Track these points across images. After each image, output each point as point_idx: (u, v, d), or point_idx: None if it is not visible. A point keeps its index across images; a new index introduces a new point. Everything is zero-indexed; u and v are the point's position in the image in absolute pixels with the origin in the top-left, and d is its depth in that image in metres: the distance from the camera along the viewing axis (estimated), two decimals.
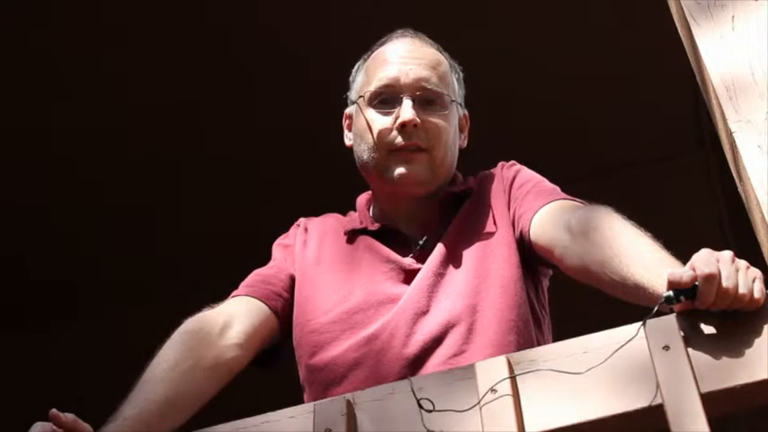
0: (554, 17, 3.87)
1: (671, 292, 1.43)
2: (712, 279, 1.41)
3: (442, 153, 1.99)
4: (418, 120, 1.96)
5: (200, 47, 3.88)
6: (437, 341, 1.82)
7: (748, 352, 1.38)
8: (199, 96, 4.02)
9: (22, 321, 4.64)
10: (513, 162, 2.08)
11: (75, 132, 4.07)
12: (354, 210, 2.12)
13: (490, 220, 1.97)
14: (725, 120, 1.62)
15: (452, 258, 1.92)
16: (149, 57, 3.88)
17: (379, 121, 1.99)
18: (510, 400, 1.41)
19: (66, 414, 1.60)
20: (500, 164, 2.09)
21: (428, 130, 1.97)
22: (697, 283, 1.42)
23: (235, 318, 1.92)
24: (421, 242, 1.96)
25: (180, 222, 4.41)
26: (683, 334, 1.41)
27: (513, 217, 1.95)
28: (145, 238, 4.48)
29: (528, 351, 1.54)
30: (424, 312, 1.85)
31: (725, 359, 1.38)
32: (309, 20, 3.81)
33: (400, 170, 1.97)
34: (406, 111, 1.96)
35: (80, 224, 4.40)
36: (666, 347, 1.39)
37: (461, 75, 2.12)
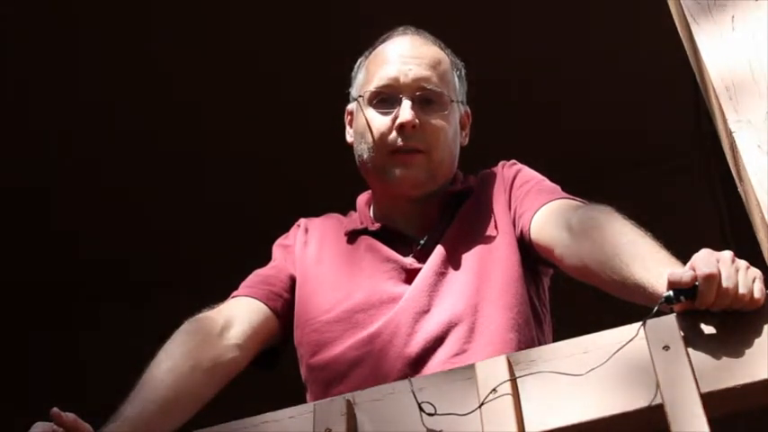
0: (554, 17, 3.87)
1: (671, 292, 1.43)
2: (712, 279, 1.41)
3: (440, 154, 1.99)
4: (417, 121, 1.96)
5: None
6: (438, 340, 1.82)
7: (748, 352, 1.38)
8: (200, 96, 4.02)
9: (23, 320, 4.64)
10: (513, 161, 2.08)
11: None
12: (354, 210, 2.12)
13: (491, 219, 1.97)
14: (725, 120, 1.62)
15: (453, 258, 1.92)
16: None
17: (379, 121, 1.99)
18: (510, 400, 1.41)
19: (66, 413, 1.60)
20: (501, 163, 2.09)
21: (427, 132, 1.97)
22: (697, 283, 1.42)
23: (234, 318, 1.92)
24: (422, 242, 1.96)
25: (179, 221, 4.41)
26: (683, 334, 1.41)
27: (514, 216, 1.95)
28: (143, 237, 4.48)
29: (528, 351, 1.54)
30: (426, 311, 1.85)
31: (725, 359, 1.38)
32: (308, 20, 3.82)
33: (398, 172, 1.97)
34: (405, 112, 1.96)
35: (79, 223, 4.41)
36: (666, 347, 1.39)
37: (463, 72, 2.12)
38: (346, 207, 2.15)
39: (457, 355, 1.80)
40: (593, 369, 1.41)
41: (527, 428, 1.40)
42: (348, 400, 1.50)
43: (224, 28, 3.86)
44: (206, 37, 3.86)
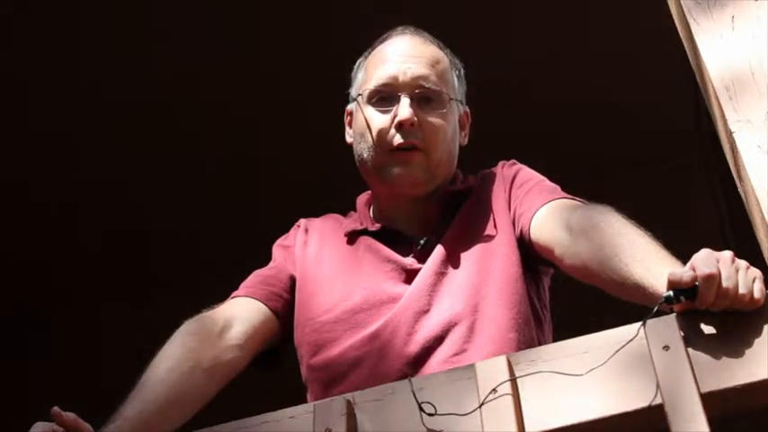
0: (554, 17, 3.87)
1: (671, 292, 1.43)
2: (712, 279, 1.41)
3: (439, 152, 1.99)
4: (415, 119, 1.96)
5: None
6: (438, 340, 1.82)
7: (748, 352, 1.38)
8: (199, 96, 4.02)
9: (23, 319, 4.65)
10: (513, 161, 2.09)
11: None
12: (354, 210, 2.12)
13: (490, 219, 1.97)
14: (725, 120, 1.62)
15: (453, 258, 1.92)
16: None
17: (378, 119, 2.00)
18: (510, 400, 1.41)
19: (67, 413, 1.60)
20: (500, 163, 2.09)
21: (426, 129, 1.97)
22: (697, 283, 1.42)
23: (234, 319, 1.92)
24: (422, 242, 1.96)
25: (179, 221, 4.41)
26: (683, 334, 1.41)
27: (514, 216, 1.95)
28: (143, 237, 4.48)
29: (528, 351, 1.54)
30: (425, 311, 1.85)
31: (725, 359, 1.38)
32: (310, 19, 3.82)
33: (397, 171, 1.97)
34: (404, 109, 1.97)
35: (80, 224, 4.41)
36: (666, 347, 1.40)
37: (462, 72, 2.12)
38: (346, 207, 2.15)
39: (457, 354, 1.80)
40: (593, 369, 1.41)
41: (527, 428, 1.40)
42: (348, 400, 1.50)
43: (224, 27, 3.85)
44: (205, 37, 3.86)
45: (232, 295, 2.01)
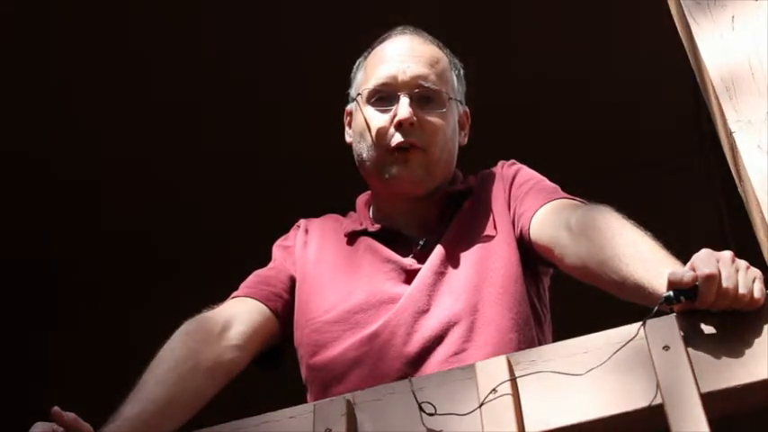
0: (553, 17, 3.87)
1: (671, 293, 1.43)
2: (712, 279, 1.41)
3: (438, 151, 1.99)
4: (415, 118, 1.96)
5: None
6: (438, 340, 1.82)
7: (748, 352, 1.38)
8: (199, 96, 4.02)
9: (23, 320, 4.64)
10: (513, 161, 2.09)
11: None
12: (354, 210, 2.12)
13: (490, 219, 1.97)
14: (725, 120, 1.63)
15: (452, 258, 1.92)
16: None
17: (377, 119, 2.00)
18: (510, 400, 1.41)
19: (67, 413, 1.60)
20: (500, 163, 2.09)
21: (425, 129, 1.98)
22: (697, 283, 1.42)
23: (234, 319, 1.92)
24: (421, 242, 1.96)
25: (179, 222, 4.41)
26: (682, 334, 1.41)
27: (514, 216, 1.95)
28: (143, 238, 4.48)
29: (528, 351, 1.54)
30: (425, 311, 1.85)
31: (725, 359, 1.38)
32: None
33: (396, 170, 1.97)
34: (403, 109, 1.97)
35: (79, 224, 4.41)
36: (666, 347, 1.40)
37: (462, 72, 2.13)
38: (346, 208, 2.15)
39: (456, 354, 1.80)
40: (593, 369, 1.41)
41: (527, 428, 1.40)
42: (348, 400, 1.50)
43: (223, 27, 3.86)
44: (204, 37, 3.86)
45: (232, 295, 2.01)
